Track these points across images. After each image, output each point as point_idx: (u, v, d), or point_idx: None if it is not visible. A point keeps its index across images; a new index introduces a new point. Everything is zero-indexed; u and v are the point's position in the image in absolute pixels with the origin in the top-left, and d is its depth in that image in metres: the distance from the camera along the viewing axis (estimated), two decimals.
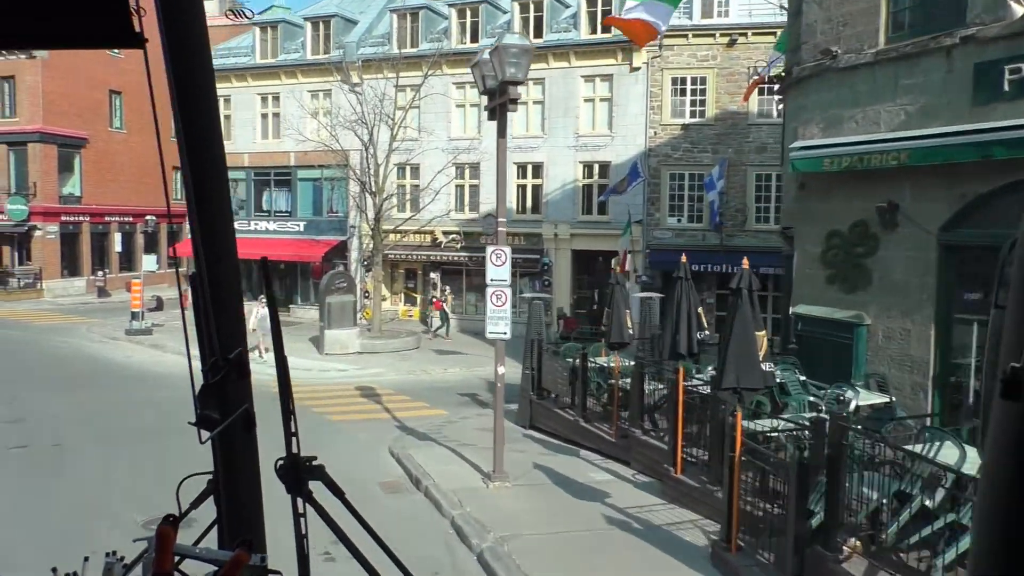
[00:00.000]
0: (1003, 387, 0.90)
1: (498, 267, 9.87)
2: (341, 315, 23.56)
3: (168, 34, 1.38)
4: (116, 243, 39.48)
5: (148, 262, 25.73)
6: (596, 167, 27.18)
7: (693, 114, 26.17)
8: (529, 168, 27.97)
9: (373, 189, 25.07)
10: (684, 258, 9.38)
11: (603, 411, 13.13)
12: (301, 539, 1.50)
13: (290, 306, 31.47)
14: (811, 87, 12.41)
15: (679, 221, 26.49)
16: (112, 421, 14.23)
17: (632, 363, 12.67)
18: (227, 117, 31.92)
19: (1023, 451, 0.89)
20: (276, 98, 31.03)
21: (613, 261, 24.44)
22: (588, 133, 27.06)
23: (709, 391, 9.60)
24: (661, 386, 11.80)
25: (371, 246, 29.63)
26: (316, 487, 1.43)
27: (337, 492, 1.45)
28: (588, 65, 27.00)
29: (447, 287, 28.60)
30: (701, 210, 26.11)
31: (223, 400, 1.53)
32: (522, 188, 28.21)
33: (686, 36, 25.83)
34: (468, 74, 29.87)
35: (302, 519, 1.49)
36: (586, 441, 12.72)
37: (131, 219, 40.29)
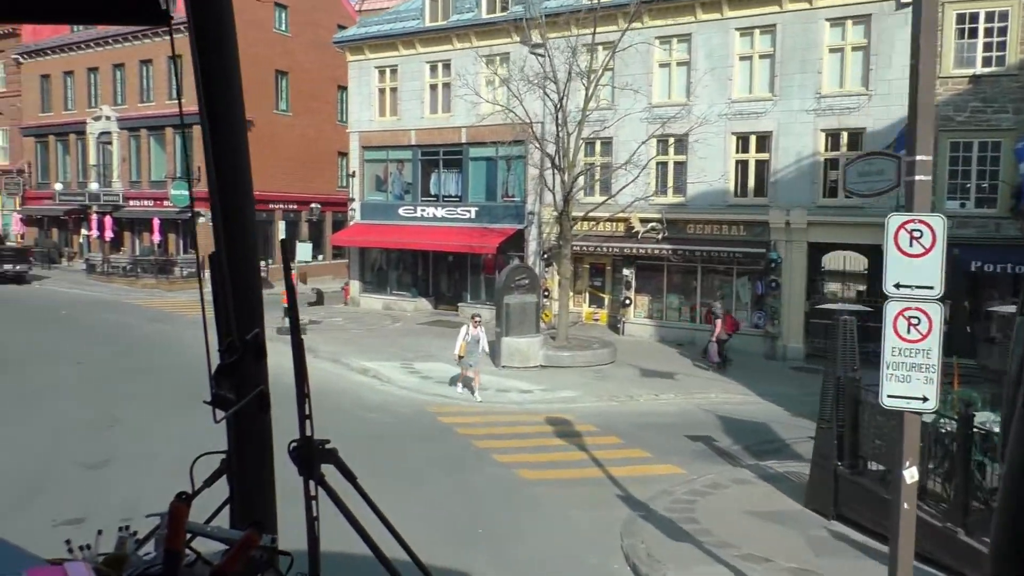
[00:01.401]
0: None
1: (916, 258, 4.75)
2: (522, 319, 19.11)
3: (194, 11, 1.46)
4: (280, 232, 37.42)
5: (302, 251, 22.51)
6: (844, 136, 21.10)
7: (987, 62, 19.53)
8: (752, 139, 22.31)
9: (562, 164, 20.36)
10: None
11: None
12: (312, 522, 1.50)
13: (459, 304, 27.54)
14: None
15: (962, 206, 19.91)
16: None
17: None
18: (393, 90, 28.48)
19: None
20: (447, 66, 27.14)
21: None
22: (834, 92, 21.03)
23: None
24: None
25: (555, 235, 25.13)
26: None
27: (349, 476, 1.49)
28: (836, 5, 20.96)
29: (719, 294, 22.66)
30: (995, 191, 19.47)
31: (239, 381, 1.56)
32: (742, 164, 22.60)
33: None
34: (675, 26, 24.75)
35: (314, 502, 1.48)
36: (970, 570, 7.29)
37: (295, 207, 38.19)
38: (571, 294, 25.76)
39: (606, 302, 25.95)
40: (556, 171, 20.38)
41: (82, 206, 36.01)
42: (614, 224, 23.79)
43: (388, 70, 28.52)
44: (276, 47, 36.80)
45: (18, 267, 31.30)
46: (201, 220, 33.85)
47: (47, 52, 38.34)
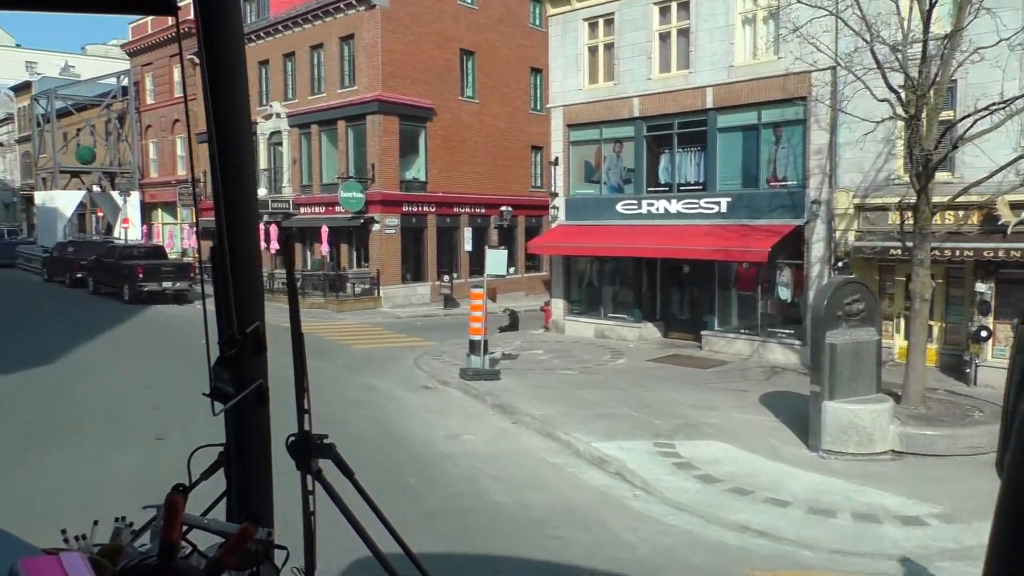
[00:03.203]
0: None
1: None
2: (856, 369, 11.28)
3: (200, 5, 1.46)
4: (466, 240, 31.68)
5: (495, 261, 15.86)
6: None
7: None
8: None
9: (918, 115, 12.16)
10: None
11: None
12: (309, 516, 1.50)
13: (701, 333, 19.93)
14: None
15: None
16: None
17: None
18: (608, 47, 21.51)
19: None
20: (683, 6, 19.76)
21: None
22: None
23: None
24: None
25: (854, 233, 17.13)
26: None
27: (347, 472, 1.50)
28: None
29: None
30: None
31: (238, 374, 1.56)
32: None
33: None
34: None
35: (311, 496, 1.49)
36: None
37: (483, 210, 32.30)
38: (891, 322, 17.40)
39: (935, 332, 17.34)
40: (911, 126, 12.18)
41: None
42: (959, 214, 15.34)
43: (601, 21, 21.60)
44: (461, 22, 31.15)
45: (178, 285, 27.53)
46: (375, 227, 28.69)
47: None
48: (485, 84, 32.43)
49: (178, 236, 38.82)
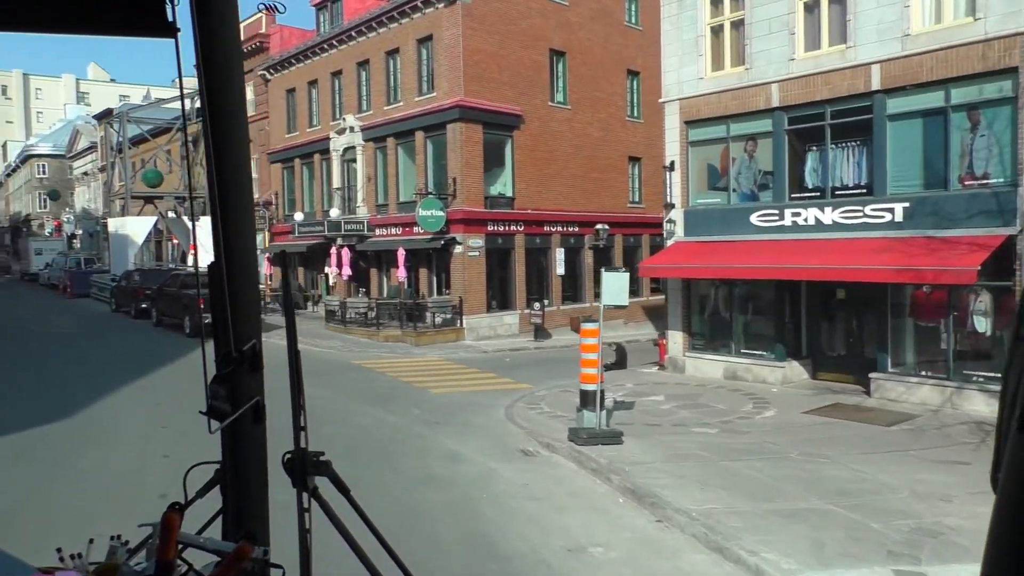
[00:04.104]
0: (1021, 421, 0.91)
1: None
2: None
3: (199, 20, 1.42)
4: (557, 262, 28.15)
5: (613, 287, 11.97)
6: None
7: None
8: None
9: None
10: None
11: None
12: (304, 534, 1.49)
13: (871, 376, 15.68)
14: None
15: None
16: None
17: None
18: (736, 24, 17.73)
19: None
20: None
21: None
22: None
23: None
24: None
25: None
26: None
27: (343, 489, 1.50)
28: None
29: None
30: None
31: (234, 391, 1.53)
32: None
33: None
34: None
35: (306, 514, 1.48)
36: None
37: (576, 229, 28.73)
38: None
39: None
40: None
41: (324, 238, 29.45)
42: None
43: None
44: (551, 19, 27.87)
45: None
46: (457, 249, 25.45)
47: (292, 62, 32.94)
48: (577, 88, 28.99)
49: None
